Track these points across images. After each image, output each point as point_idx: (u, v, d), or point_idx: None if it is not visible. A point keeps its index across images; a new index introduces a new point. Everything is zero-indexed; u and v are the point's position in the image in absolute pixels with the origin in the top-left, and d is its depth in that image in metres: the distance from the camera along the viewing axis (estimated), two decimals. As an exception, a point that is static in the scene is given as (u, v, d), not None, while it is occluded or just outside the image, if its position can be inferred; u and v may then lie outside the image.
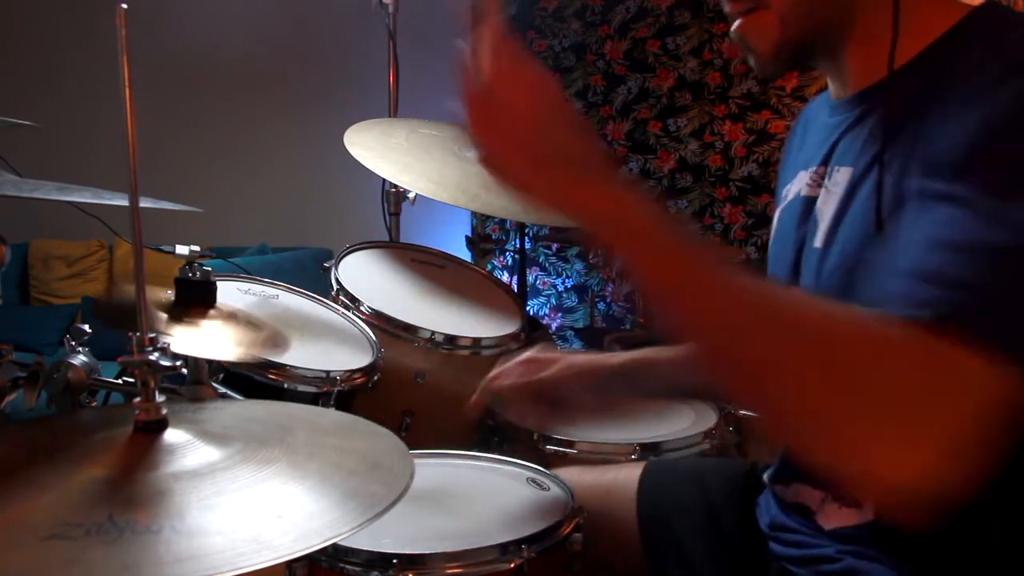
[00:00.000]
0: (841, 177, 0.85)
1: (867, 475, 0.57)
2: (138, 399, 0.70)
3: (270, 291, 1.51)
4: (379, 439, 0.79)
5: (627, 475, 1.16)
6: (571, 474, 1.15)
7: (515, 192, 0.66)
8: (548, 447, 1.38)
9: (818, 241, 0.86)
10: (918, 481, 0.55)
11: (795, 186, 0.97)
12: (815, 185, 0.91)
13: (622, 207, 0.64)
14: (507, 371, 1.17)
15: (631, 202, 0.64)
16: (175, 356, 0.73)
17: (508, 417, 1.17)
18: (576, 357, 1.15)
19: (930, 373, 0.56)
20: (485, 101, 0.64)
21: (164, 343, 0.71)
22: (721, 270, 0.64)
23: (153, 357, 0.70)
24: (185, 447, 0.68)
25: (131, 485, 0.63)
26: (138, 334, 0.69)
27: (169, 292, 1.06)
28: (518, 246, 3.05)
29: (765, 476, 1.04)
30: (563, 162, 0.64)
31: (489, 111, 0.65)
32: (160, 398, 0.71)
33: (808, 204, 0.91)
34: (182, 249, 1.23)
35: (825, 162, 0.90)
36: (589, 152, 0.66)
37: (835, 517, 0.87)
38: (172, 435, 0.70)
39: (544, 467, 1.16)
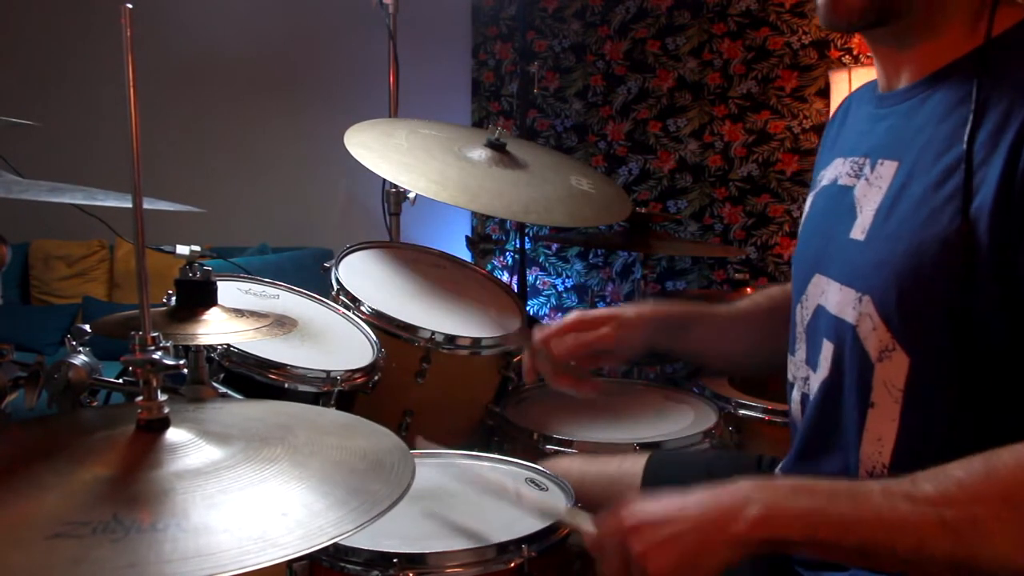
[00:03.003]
0: (886, 171, 0.84)
1: None
2: (140, 398, 0.70)
3: (270, 291, 1.51)
4: (379, 438, 0.79)
5: (631, 466, 1.16)
6: (574, 464, 1.15)
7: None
8: (548, 447, 1.38)
9: (857, 232, 0.84)
10: None
11: (830, 172, 0.96)
12: (853, 175, 0.89)
13: (781, 523, 0.69)
14: (557, 332, 1.12)
15: (781, 513, 0.69)
16: (177, 355, 0.73)
17: (556, 384, 1.12)
18: (626, 311, 1.12)
19: None
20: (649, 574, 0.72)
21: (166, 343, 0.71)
22: (886, 501, 0.66)
23: (156, 356, 0.70)
24: (187, 446, 0.69)
25: (135, 484, 0.63)
26: (140, 333, 0.70)
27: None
28: (518, 246, 3.05)
29: (777, 470, 1.03)
30: (708, 539, 0.71)
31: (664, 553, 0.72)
32: (162, 397, 0.71)
33: (843, 193, 0.90)
34: (182, 249, 1.23)
35: (867, 153, 0.88)
36: (711, 510, 0.72)
37: None
38: (174, 434, 0.70)
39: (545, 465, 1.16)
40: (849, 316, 0.83)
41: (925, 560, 0.64)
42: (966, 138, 0.73)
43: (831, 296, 0.88)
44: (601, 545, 0.78)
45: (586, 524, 0.82)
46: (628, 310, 1.12)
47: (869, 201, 0.84)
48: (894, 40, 0.86)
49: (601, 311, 1.12)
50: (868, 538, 0.66)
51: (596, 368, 1.17)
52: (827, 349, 0.88)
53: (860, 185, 0.87)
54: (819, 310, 0.91)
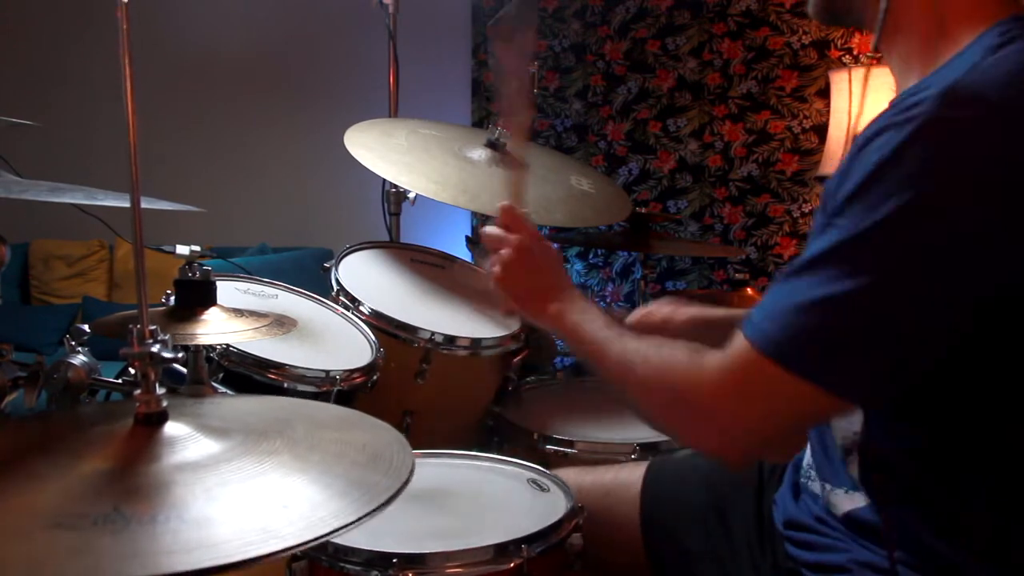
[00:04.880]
0: None
1: (682, 442, 0.96)
2: (138, 391, 0.70)
3: (270, 291, 1.51)
4: (377, 431, 0.79)
5: (628, 475, 1.16)
6: (571, 475, 1.15)
7: (520, 312, 1.13)
8: (548, 447, 1.38)
9: None
10: (714, 450, 0.83)
11: None
12: None
13: (568, 317, 1.02)
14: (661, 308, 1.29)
15: (575, 310, 1.02)
16: (176, 348, 0.73)
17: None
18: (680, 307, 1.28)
19: (728, 387, 0.78)
20: (508, 267, 1.08)
21: (164, 336, 0.71)
22: (615, 342, 0.93)
23: (154, 349, 0.70)
24: (186, 440, 0.69)
25: (134, 477, 0.63)
26: (138, 326, 0.70)
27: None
28: (518, 246, 3.05)
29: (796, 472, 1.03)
30: (544, 294, 1.06)
31: (512, 272, 1.09)
32: (160, 391, 0.71)
33: None
34: (182, 249, 1.23)
35: None
36: (557, 283, 1.06)
37: (846, 501, 0.87)
38: (172, 428, 0.70)
39: (544, 467, 1.16)
40: None
41: (602, 368, 0.94)
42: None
43: None
44: (493, 239, 1.12)
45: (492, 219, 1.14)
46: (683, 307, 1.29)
47: None
48: (878, 48, 0.89)
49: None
50: (591, 350, 0.96)
51: None
52: None
53: None
54: None
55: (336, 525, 0.58)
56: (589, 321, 0.98)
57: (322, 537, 0.57)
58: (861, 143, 0.73)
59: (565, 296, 1.03)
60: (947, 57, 0.77)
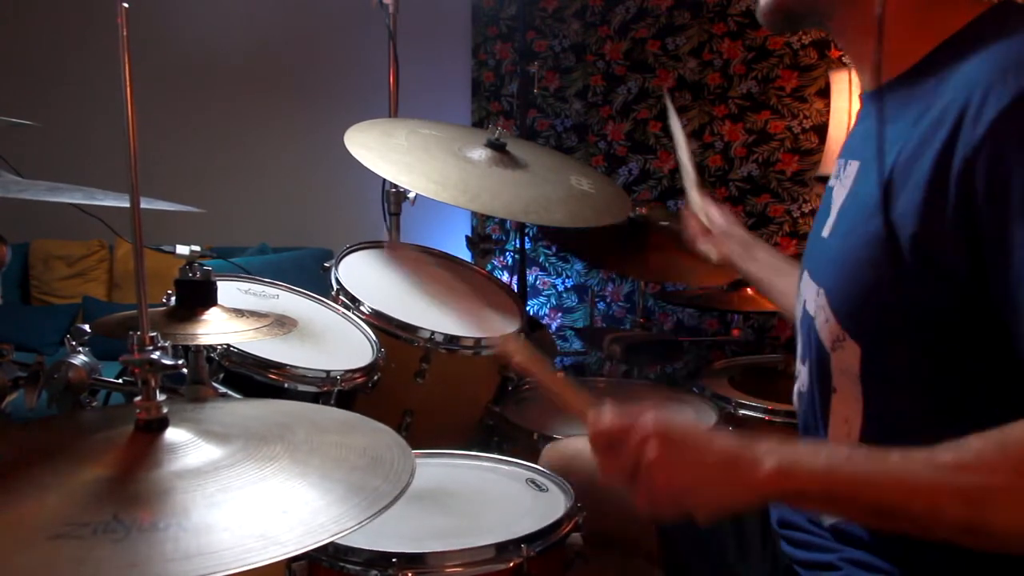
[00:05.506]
0: (851, 170, 0.87)
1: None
2: (139, 398, 0.70)
3: (270, 291, 1.51)
4: (378, 435, 0.79)
5: None
6: (584, 444, 1.15)
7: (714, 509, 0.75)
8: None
9: (826, 231, 0.89)
10: None
11: (832, 174, 1.00)
12: (836, 175, 0.93)
13: (802, 466, 0.71)
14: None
15: (796, 455, 0.72)
16: (176, 355, 0.73)
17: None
18: (734, 228, 1.30)
19: None
20: (663, 466, 0.74)
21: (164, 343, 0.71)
22: (893, 462, 0.68)
23: (154, 356, 0.70)
24: (187, 446, 0.68)
25: (135, 484, 0.63)
26: (138, 333, 0.70)
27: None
28: (518, 246, 3.05)
29: None
30: (733, 464, 0.73)
31: (672, 470, 0.74)
32: (161, 397, 0.71)
33: (828, 193, 0.94)
34: (182, 249, 1.23)
35: (844, 154, 0.93)
36: (734, 452, 0.73)
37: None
38: (173, 434, 0.70)
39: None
40: (811, 309, 0.89)
41: (937, 523, 0.66)
42: (876, 147, 0.78)
43: (807, 291, 0.92)
44: (608, 437, 0.77)
45: (588, 407, 0.81)
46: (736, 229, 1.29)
47: (837, 200, 0.89)
48: (840, 41, 0.90)
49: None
50: (883, 498, 0.68)
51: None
52: (808, 343, 0.92)
53: (836, 185, 0.91)
54: (804, 306, 0.94)
55: (335, 530, 0.58)
56: (833, 455, 0.73)
57: (320, 543, 0.57)
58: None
59: (759, 449, 0.73)
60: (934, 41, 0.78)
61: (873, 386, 0.82)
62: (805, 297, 0.93)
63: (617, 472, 0.76)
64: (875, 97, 0.86)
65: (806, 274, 0.93)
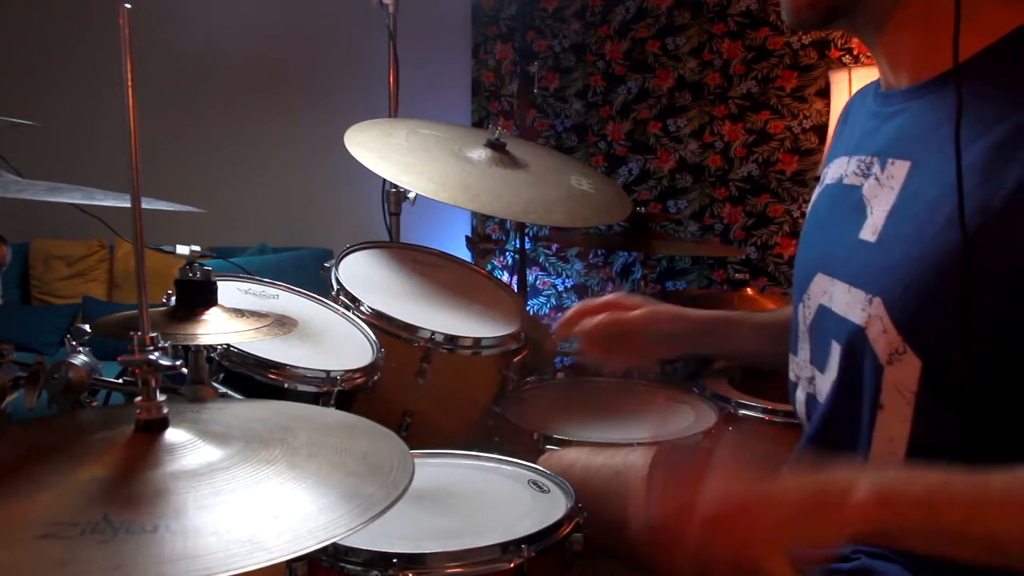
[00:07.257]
0: (897, 171, 0.82)
1: None
2: (139, 399, 0.70)
3: (270, 291, 1.51)
4: (380, 439, 0.79)
5: (637, 458, 1.16)
6: (581, 455, 1.14)
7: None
8: (548, 447, 1.38)
9: (868, 234, 0.83)
10: None
11: (833, 171, 0.95)
12: (860, 174, 0.88)
13: (898, 504, 0.63)
14: (589, 309, 1.15)
15: (900, 495, 0.63)
16: (176, 355, 0.73)
17: (582, 357, 1.15)
18: (660, 306, 1.15)
19: None
20: (707, 540, 0.65)
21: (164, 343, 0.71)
22: (987, 488, 0.61)
23: (154, 356, 0.70)
24: (186, 447, 0.68)
25: (130, 484, 0.62)
26: (139, 333, 0.69)
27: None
28: (518, 246, 3.05)
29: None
30: (810, 521, 0.64)
31: (714, 546, 0.65)
32: (161, 397, 0.70)
33: (849, 192, 0.88)
34: (182, 249, 1.23)
35: (875, 152, 0.87)
36: (815, 489, 0.65)
37: None
38: (173, 435, 0.70)
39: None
40: (857, 318, 0.82)
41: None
42: (955, 147, 0.71)
43: (837, 297, 0.87)
44: (663, 534, 0.68)
45: (628, 509, 0.75)
46: (664, 307, 1.15)
47: (880, 202, 0.83)
48: (883, 45, 0.85)
49: (638, 299, 1.16)
50: (997, 524, 0.60)
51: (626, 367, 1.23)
52: (836, 351, 0.87)
53: (869, 184, 0.85)
54: (823, 310, 0.90)
55: (323, 537, 0.57)
56: (929, 480, 0.64)
57: (307, 550, 0.56)
58: None
59: (845, 477, 0.65)
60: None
61: (927, 404, 0.77)
62: (824, 303, 0.89)
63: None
64: (913, 94, 0.83)
65: (826, 279, 0.89)
